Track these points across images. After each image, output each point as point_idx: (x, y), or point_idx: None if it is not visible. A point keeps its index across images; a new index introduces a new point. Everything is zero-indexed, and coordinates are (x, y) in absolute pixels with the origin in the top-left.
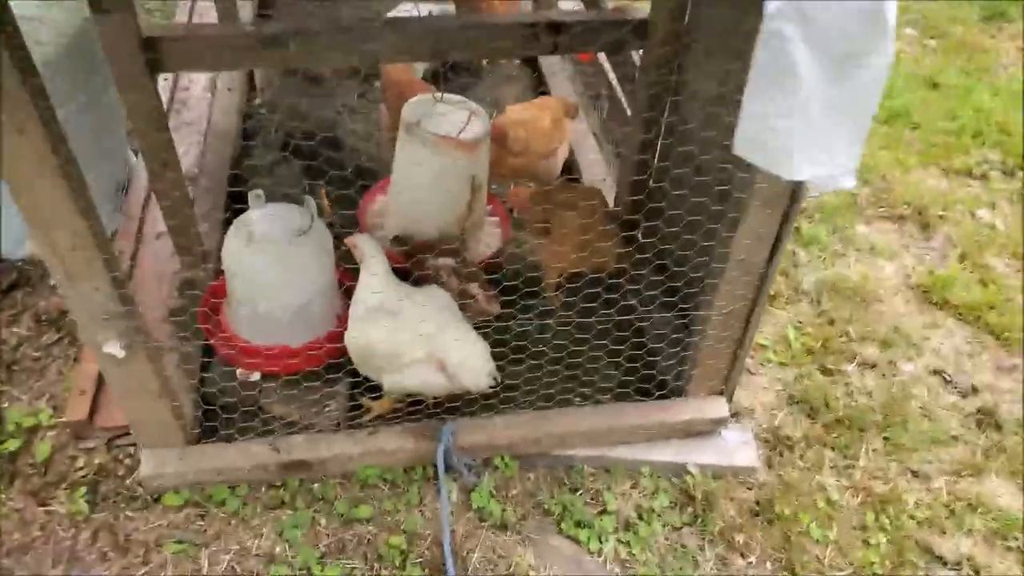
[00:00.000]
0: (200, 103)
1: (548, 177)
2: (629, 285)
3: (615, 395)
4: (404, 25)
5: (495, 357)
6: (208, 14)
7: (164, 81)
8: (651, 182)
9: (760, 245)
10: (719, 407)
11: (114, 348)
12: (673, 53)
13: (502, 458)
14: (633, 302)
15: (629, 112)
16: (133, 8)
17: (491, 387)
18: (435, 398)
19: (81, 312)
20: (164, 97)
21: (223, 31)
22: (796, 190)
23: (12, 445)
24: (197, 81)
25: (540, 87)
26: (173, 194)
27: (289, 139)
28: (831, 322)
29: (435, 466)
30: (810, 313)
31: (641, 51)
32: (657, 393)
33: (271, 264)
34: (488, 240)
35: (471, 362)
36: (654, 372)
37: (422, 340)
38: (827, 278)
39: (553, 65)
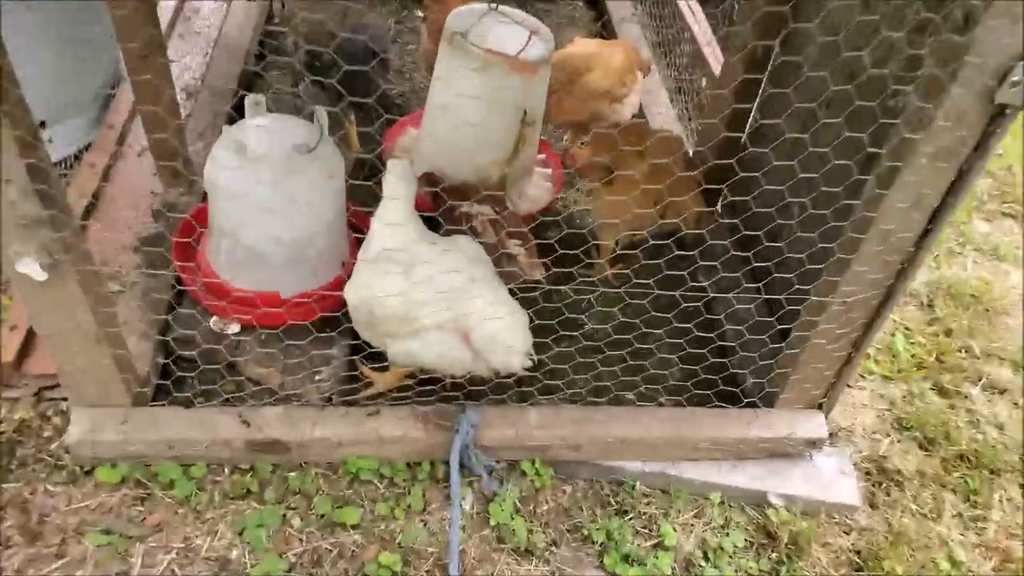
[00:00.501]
0: (213, 14)
1: (613, 125)
2: (703, 259)
3: (685, 397)
4: None
5: (535, 333)
6: None
7: None
8: (745, 133)
9: (917, 213)
10: (815, 424)
11: (31, 267)
12: None
13: (533, 463)
14: (706, 283)
15: (719, 58)
16: None
17: (526, 369)
18: (453, 377)
19: None
20: (172, 2)
21: None
22: (988, 136)
23: None
24: None
25: (604, 35)
26: (156, 97)
27: (312, 61)
28: (947, 332)
29: (447, 464)
30: (920, 319)
31: None
32: (745, 400)
33: (264, 185)
34: (535, 193)
35: (503, 335)
36: (740, 372)
37: (443, 300)
38: (941, 280)
39: (621, 8)
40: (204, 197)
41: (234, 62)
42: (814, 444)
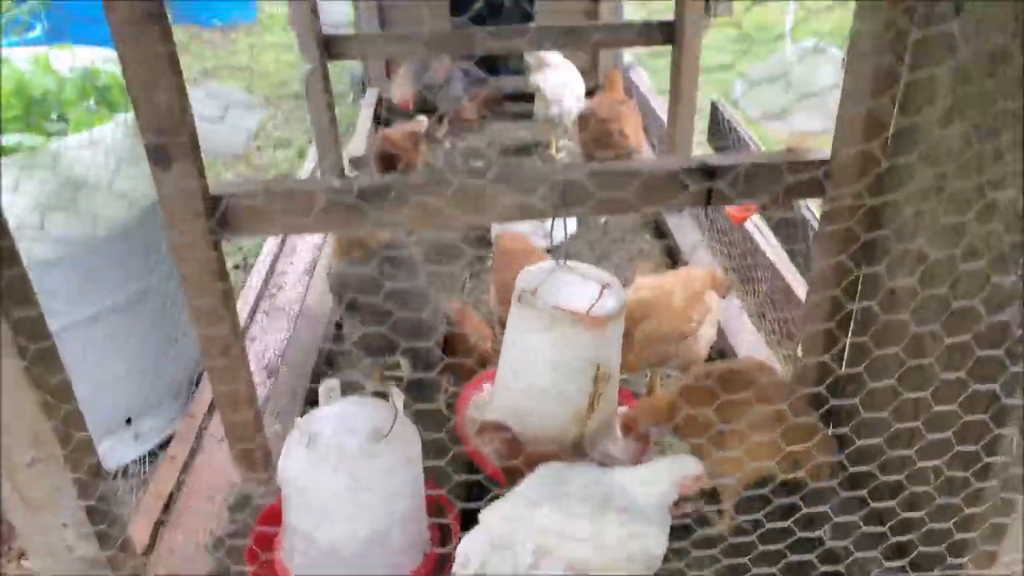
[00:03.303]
0: (296, 287)
1: (688, 363)
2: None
3: None
4: (523, 178)
5: None
6: None
7: (262, 264)
8: (843, 365)
9: None
10: None
11: None
12: (870, 190)
13: None
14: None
15: (800, 280)
16: (200, 159)
17: None
18: None
19: (42, 556)
20: (257, 281)
21: (306, 186)
22: None
23: None
24: (298, 262)
25: (675, 265)
26: (233, 387)
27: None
28: None
29: None
30: None
31: (822, 199)
32: None
33: (337, 479)
34: (618, 451)
35: None
36: None
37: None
38: None
39: (690, 237)
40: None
41: (315, 336)
42: None
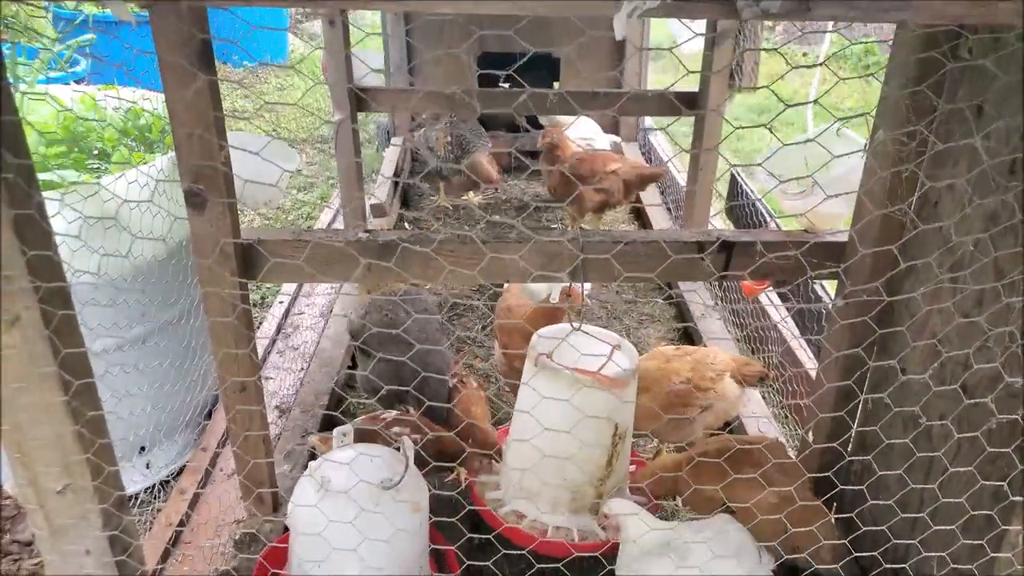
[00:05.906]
0: (313, 328)
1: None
2: None
3: None
4: (543, 239)
5: None
6: None
7: (280, 304)
8: (850, 447)
9: None
10: None
11: None
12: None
13: None
14: None
15: (810, 355)
16: (234, 203)
17: None
18: None
19: None
20: (275, 321)
21: (333, 237)
22: None
23: None
24: (315, 304)
25: (683, 327)
26: (246, 423)
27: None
28: None
29: None
30: None
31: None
32: None
33: (346, 524)
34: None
35: None
36: None
37: None
38: None
39: (702, 303)
40: (287, 528)
41: (327, 377)
42: None
